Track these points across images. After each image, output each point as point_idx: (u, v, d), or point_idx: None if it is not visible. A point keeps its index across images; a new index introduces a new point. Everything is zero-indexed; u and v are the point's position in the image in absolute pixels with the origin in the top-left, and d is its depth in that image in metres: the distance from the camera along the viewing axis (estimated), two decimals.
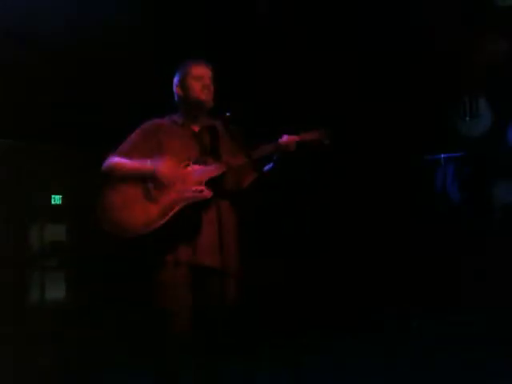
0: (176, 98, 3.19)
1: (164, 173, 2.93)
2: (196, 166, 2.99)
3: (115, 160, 3.03)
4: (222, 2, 5.12)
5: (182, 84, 3.14)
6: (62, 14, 4.62)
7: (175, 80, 3.18)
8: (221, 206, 3.01)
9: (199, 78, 3.11)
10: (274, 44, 5.56)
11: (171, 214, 2.86)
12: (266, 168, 3.18)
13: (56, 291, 4.95)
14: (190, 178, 2.95)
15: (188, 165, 2.99)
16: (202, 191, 2.91)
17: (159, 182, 2.93)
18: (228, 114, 3.07)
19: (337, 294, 6.04)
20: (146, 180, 2.96)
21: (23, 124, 4.60)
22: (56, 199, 4.94)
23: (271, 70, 5.60)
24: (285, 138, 3.05)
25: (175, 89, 3.17)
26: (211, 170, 2.98)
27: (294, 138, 3.06)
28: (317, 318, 5.54)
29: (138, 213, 2.89)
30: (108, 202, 2.95)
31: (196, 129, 3.15)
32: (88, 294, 4.81)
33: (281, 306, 5.24)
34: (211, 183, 2.95)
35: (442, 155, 6.23)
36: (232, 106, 3.10)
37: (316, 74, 5.88)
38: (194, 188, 2.92)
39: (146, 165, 2.96)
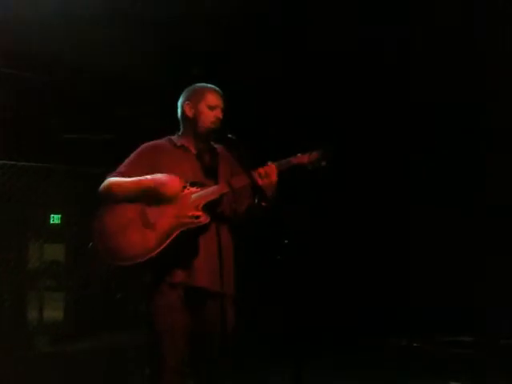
0: (181, 117, 3.12)
1: (164, 184, 2.87)
2: (193, 189, 2.93)
3: (113, 180, 2.96)
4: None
5: (195, 107, 3.06)
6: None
7: (186, 99, 3.10)
8: (220, 227, 2.94)
9: (213, 108, 3.05)
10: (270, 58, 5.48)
11: (168, 241, 2.80)
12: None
13: (54, 310, 4.92)
14: (187, 201, 2.89)
15: (185, 187, 2.93)
16: (198, 217, 2.85)
17: (158, 195, 2.87)
18: (230, 136, 2.97)
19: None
20: (142, 204, 2.89)
21: (23, 143, 4.54)
22: (55, 219, 4.89)
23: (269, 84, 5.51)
24: (293, 159, 3.00)
25: (184, 107, 3.08)
26: (209, 193, 2.92)
27: (291, 160, 3.00)
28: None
29: (135, 239, 2.83)
30: (104, 226, 2.88)
31: (195, 150, 3.09)
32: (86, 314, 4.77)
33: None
34: (209, 207, 2.90)
35: None
36: (231, 129, 3.02)
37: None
38: (190, 213, 2.86)
39: (146, 179, 2.90)
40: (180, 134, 3.14)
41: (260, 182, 2.92)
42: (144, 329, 2.97)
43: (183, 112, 3.09)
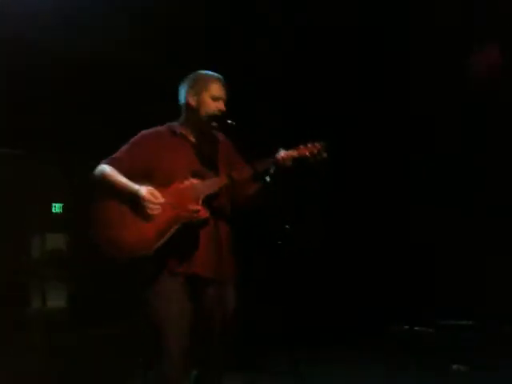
0: (183, 104, 3.07)
1: (146, 198, 2.83)
2: (194, 180, 2.91)
3: (107, 170, 2.93)
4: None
5: (197, 97, 3.01)
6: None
7: (189, 87, 3.06)
8: (218, 216, 2.95)
9: (217, 99, 3.01)
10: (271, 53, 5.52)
11: (168, 235, 2.79)
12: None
13: (57, 300, 4.92)
14: (188, 193, 2.86)
15: (186, 177, 2.91)
16: (198, 211, 2.83)
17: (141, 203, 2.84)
18: (230, 122, 2.95)
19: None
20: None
21: (23, 132, 4.57)
22: (57, 207, 4.89)
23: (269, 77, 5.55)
24: (282, 154, 2.95)
25: (187, 96, 3.04)
26: (210, 184, 2.91)
27: (292, 153, 2.95)
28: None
29: (134, 233, 2.82)
30: (102, 216, 2.89)
31: (195, 139, 3.07)
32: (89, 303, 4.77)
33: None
34: (209, 198, 2.89)
35: None
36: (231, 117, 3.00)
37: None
38: (190, 207, 2.84)
39: (133, 186, 2.88)
40: (181, 121, 3.11)
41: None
42: (143, 317, 2.96)
43: (185, 100, 3.05)
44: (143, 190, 2.85)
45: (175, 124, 3.11)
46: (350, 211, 6.67)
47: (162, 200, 2.85)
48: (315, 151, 2.95)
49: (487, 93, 5.97)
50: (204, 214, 2.83)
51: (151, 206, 2.84)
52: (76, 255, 4.92)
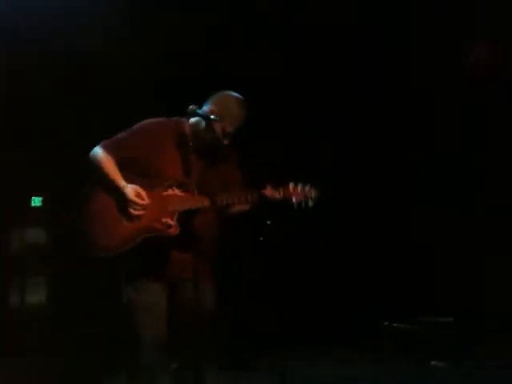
0: (202, 114, 2.92)
1: (131, 198, 2.83)
2: (177, 192, 2.89)
3: (101, 157, 2.91)
4: None
5: (218, 114, 2.91)
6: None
7: (214, 103, 2.96)
8: (200, 226, 2.94)
9: (232, 125, 2.94)
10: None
11: (133, 243, 2.80)
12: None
13: (36, 294, 4.87)
14: (167, 204, 2.85)
15: (171, 186, 2.89)
16: (170, 227, 2.82)
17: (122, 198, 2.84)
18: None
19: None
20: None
21: (23, 132, 4.57)
22: (36, 201, 4.84)
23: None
24: (268, 192, 2.91)
25: (208, 108, 2.95)
26: (190, 201, 2.87)
27: (276, 196, 2.90)
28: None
29: (111, 229, 2.82)
30: (88, 207, 2.88)
31: (196, 149, 3.01)
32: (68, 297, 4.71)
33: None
34: (186, 214, 2.86)
35: None
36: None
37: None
38: (164, 220, 2.82)
39: (120, 182, 2.87)
40: (193, 122, 3.01)
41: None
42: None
43: (205, 111, 2.94)
44: (129, 189, 2.85)
45: (186, 122, 3.03)
46: (350, 211, 6.66)
47: (146, 202, 2.85)
48: (301, 198, 2.88)
49: (487, 93, 5.98)
50: (174, 230, 2.82)
51: (134, 206, 2.84)
52: (56, 249, 4.83)
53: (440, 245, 6.42)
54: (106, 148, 2.95)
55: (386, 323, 5.87)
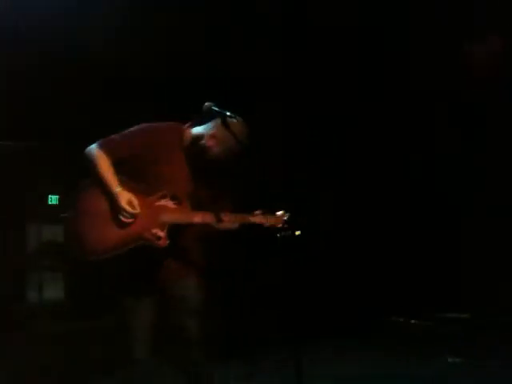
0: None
1: (122, 207, 2.77)
2: (170, 203, 2.86)
3: (98, 155, 2.84)
4: None
5: (219, 134, 2.90)
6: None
7: (218, 122, 2.90)
8: (191, 237, 2.96)
9: (232, 150, 2.93)
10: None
11: (126, 248, 2.76)
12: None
13: (54, 291, 4.90)
14: (158, 214, 2.82)
15: (164, 197, 2.86)
16: (159, 238, 2.79)
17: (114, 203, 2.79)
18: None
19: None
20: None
21: (21, 124, 4.56)
22: (53, 199, 4.86)
23: None
24: (257, 218, 2.96)
25: (213, 126, 2.92)
26: (182, 215, 2.86)
27: (265, 221, 2.96)
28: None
29: (100, 233, 2.77)
30: (80, 208, 2.81)
31: (192, 158, 2.97)
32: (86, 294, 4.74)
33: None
34: (176, 226, 2.84)
35: None
36: None
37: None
38: (154, 231, 2.79)
39: (114, 188, 2.80)
40: (194, 133, 2.96)
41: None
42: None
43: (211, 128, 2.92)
44: (122, 196, 2.79)
45: (186, 130, 3.00)
46: (349, 211, 6.67)
47: (137, 211, 2.79)
48: (279, 225, 2.97)
49: (487, 93, 5.99)
50: (163, 243, 2.79)
51: (125, 213, 2.79)
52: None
53: (465, 244, 6.37)
54: (102, 147, 2.88)
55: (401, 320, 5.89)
